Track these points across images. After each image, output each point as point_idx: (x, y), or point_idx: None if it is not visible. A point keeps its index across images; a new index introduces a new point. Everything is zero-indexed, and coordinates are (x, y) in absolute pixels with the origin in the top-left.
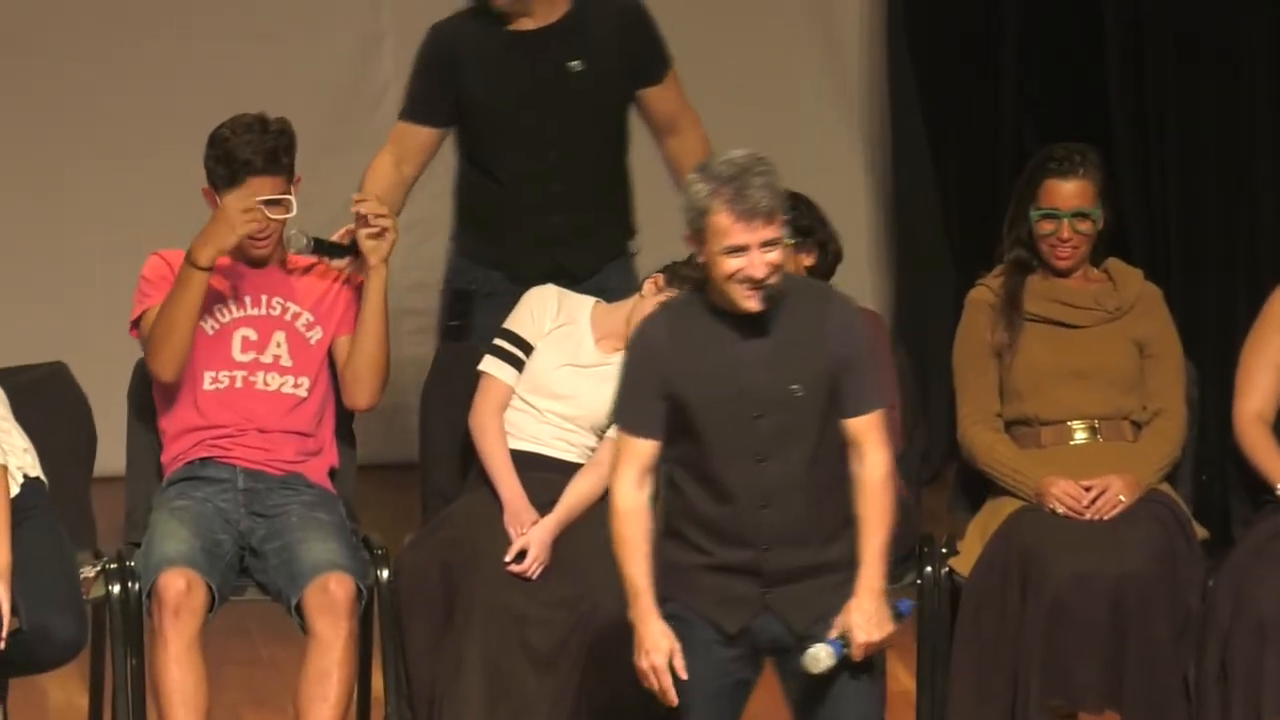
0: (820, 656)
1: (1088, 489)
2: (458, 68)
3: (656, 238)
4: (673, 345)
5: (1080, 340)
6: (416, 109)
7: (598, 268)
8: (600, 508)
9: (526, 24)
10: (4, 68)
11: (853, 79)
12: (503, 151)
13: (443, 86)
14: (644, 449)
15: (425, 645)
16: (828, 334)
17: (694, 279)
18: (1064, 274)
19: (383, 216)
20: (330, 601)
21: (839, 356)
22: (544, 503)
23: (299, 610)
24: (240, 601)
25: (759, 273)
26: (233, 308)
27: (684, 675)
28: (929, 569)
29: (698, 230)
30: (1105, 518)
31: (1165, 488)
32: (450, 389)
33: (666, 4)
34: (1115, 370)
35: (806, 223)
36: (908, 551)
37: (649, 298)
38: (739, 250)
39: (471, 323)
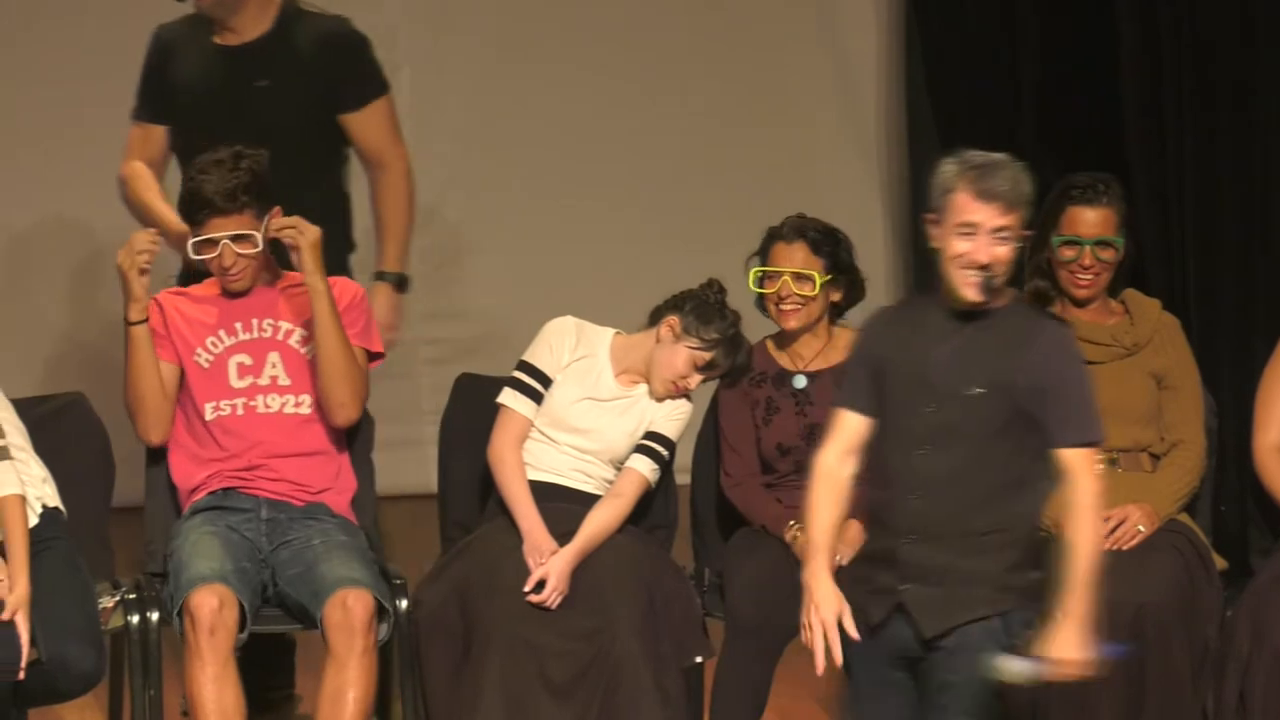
0: (1012, 666)
1: (1106, 519)
2: (169, 71)
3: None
4: (887, 330)
5: (1098, 377)
6: (145, 109)
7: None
8: (618, 540)
9: (230, 38)
10: (28, 89)
11: (869, 112)
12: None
13: (159, 85)
14: (851, 424)
15: (444, 675)
16: (1032, 352)
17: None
18: (1083, 303)
19: (289, 227)
20: (348, 618)
21: (1042, 380)
22: (563, 533)
23: (324, 628)
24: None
25: (983, 257)
26: (224, 337)
27: (855, 635)
28: None
29: (938, 210)
30: (1124, 548)
31: (1184, 518)
32: (469, 420)
33: (685, 31)
34: (1133, 406)
35: (845, 258)
36: None
37: (666, 344)
38: (969, 230)
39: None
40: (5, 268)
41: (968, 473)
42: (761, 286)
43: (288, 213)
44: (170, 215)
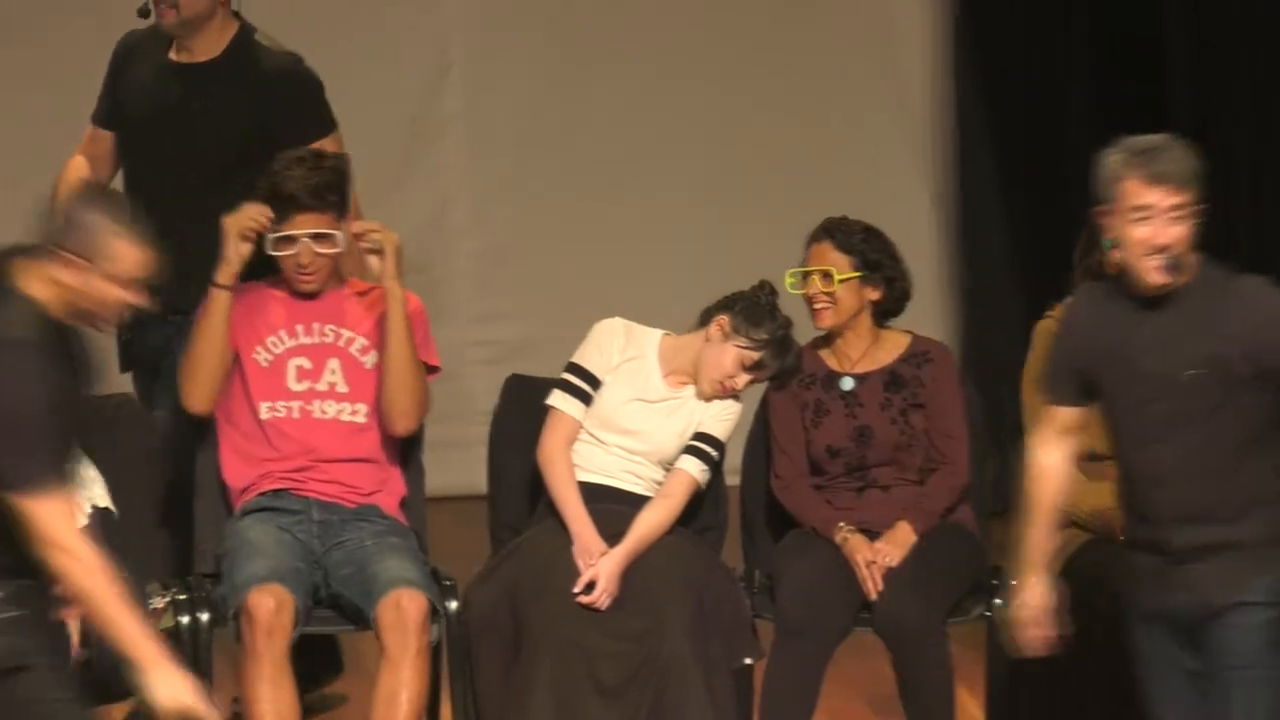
0: None
1: None
2: (120, 80)
3: None
4: (1087, 323)
5: None
6: (99, 112)
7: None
8: (668, 541)
9: (184, 56)
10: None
11: (920, 111)
12: (138, 174)
13: (110, 93)
14: (1058, 414)
15: (494, 677)
16: (1234, 319)
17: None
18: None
19: (374, 231)
20: (401, 618)
21: (1254, 344)
22: (612, 534)
23: (377, 628)
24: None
25: (1164, 238)
26: (285, 338)
27: (1064, 630)
28: (998, 601)
29: (1109, 201)
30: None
31: None
32: (519, 421)
33: (734, 33)
34: None
35: (875, 256)
36: (976, 584)
37: (715, 343)
38: (1144, 214)
39: (145, 343)
40: None
41: (1207, 452)
42: (798, 289)
43: (208, 238)
44: None
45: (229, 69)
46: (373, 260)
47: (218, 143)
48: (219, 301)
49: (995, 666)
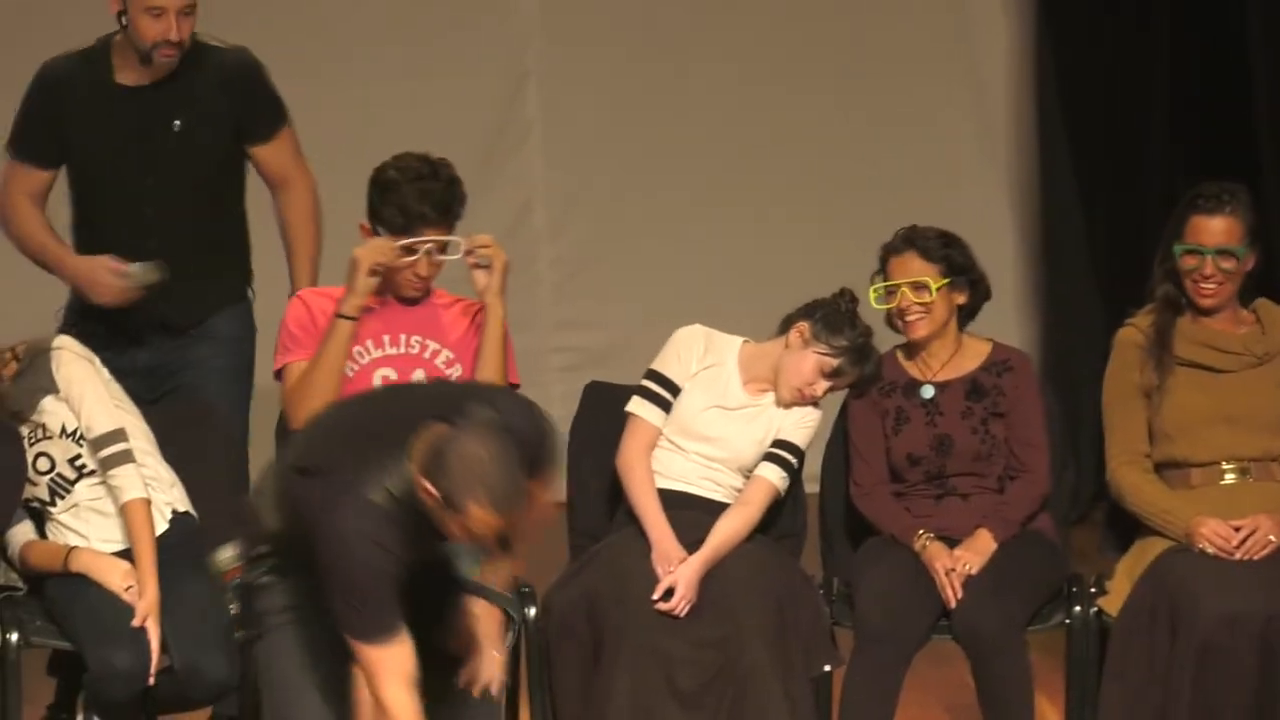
0: None
1: (1237, 529)
2: (64, 115)
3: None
4: None
5: (1229, 385)
6: (26, 149)
7: (204, 318)
8: (747, 548)
9: (132, 78)
10: None
11: (999, 116)
12: (102, 203)
13: (48, 130)
14: None
15: (573, 684)
16: None
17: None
18: (1208, 312)
19: (486, 247)
20: (479, 628)
21: None
22: (691, 541)
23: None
24: None
25: None
26: (371, 348)
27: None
28: (1078, 609)
29: None
30: (1255, 558)
31: None
32: (598, 428)
33: (814, 39)
34: (1266, 415)
35: (960, 259)
36: (1056, 592)
37: (795, 349)
38: None
39: (136, 359)
40: None
41: None
42: (886, 303)
43: (194, 248)
44: (68, 255)
45: (191, 80)
46: (478, 275)
47: (197, 157)
48: (344, 331)
49: (1075, 675)
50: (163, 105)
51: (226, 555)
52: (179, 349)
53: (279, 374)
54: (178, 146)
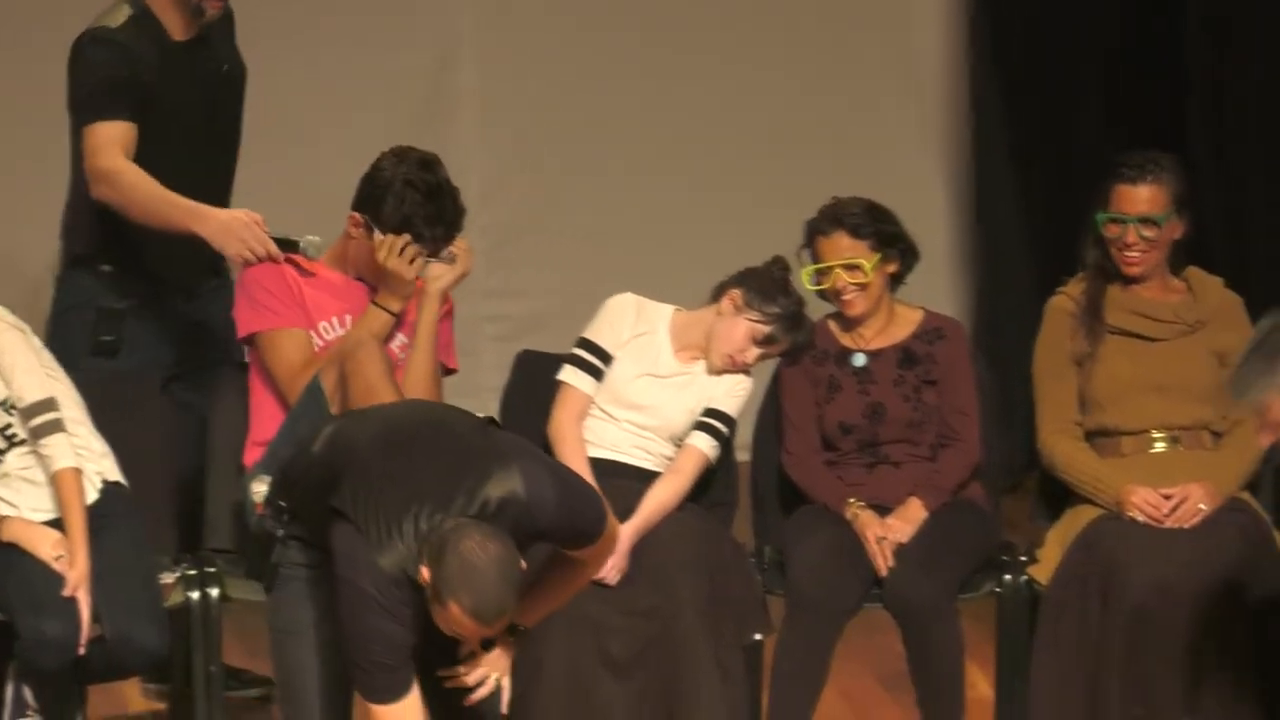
0: None
1: (1168, 497)
2: (140, 71)
3: None
4: None
5: (1160, 353)
6: (115, 106)
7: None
8: (679, 516)
9: (181, 33)
10: None
11: (933, 87)
12: (168, 153)
13: (130, 85)
14: None
15: None
16: None
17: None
18: (1135, 281)
19: (460, 249)
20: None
21: None
22: (622, 510)
23: None
24: None
25: None
26: (336, 325)
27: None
28: (1008, 577)
29: None
30: (1185, 526)
31: (1245, 496)
32: (530, 397)
33: (747, 11)
34: (1195, 383)
35: (887, 230)
36: (987, 560)
37: (727, 317)
38: None
39: (123, 337)
40: None
41: None
42: (819, 284)
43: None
44: (203, 207)
45: (211, 28)
46: (436, 266)
47: (240, 99)
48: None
49: (1006, 643)
50: (211, 53)
51: (259, 490)
52: (207, 301)
53: (249, 338)
54: (228, 91)
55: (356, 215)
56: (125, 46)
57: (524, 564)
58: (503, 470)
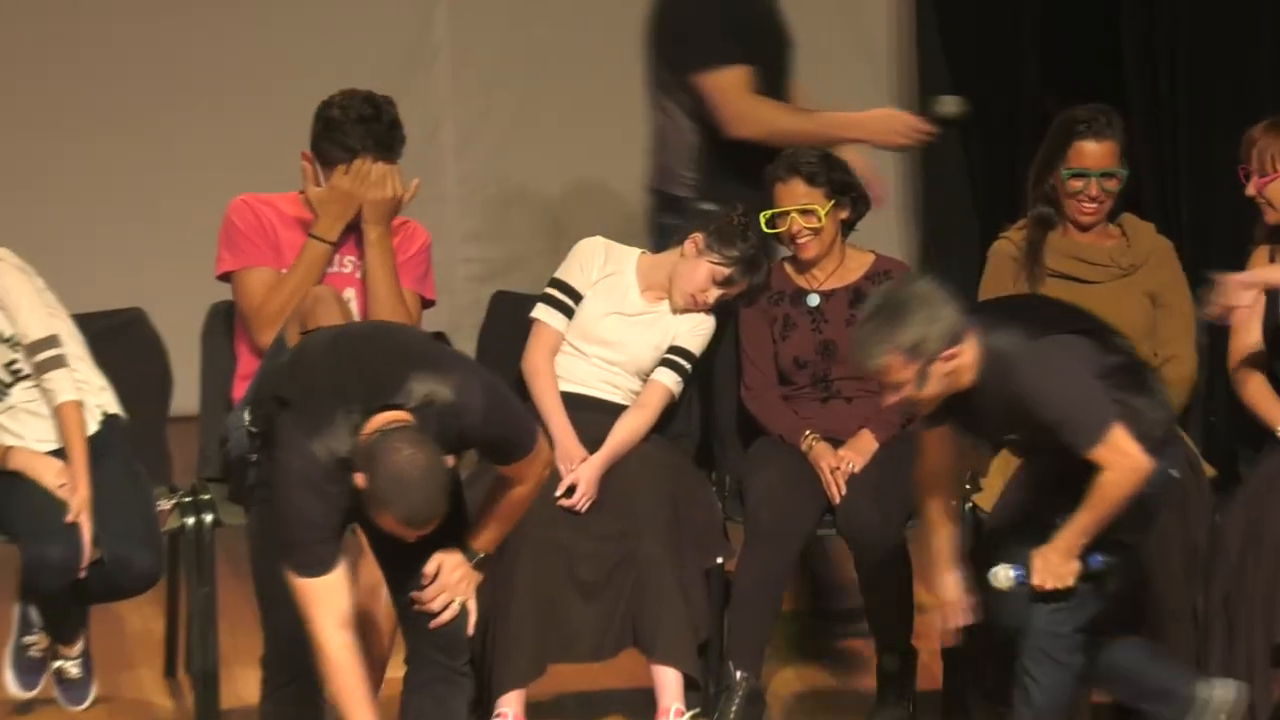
0: (999, 575)
1: None
2: (734, 12)
3: None
4: None
5: (1096, 295)
6: (736, 51)
7: None
8: (644, 448)
9: None
10: (86, 21)
11: (879, 34)
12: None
13: (738, 29)
14: None
15: None
16: None
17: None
18: (1086, 229)
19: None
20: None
21: None
22: (592, 441)
23: None
24: None
25: None
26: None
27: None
28: (953, 503)
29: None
30: None
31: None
32: (505, 335)
33: None
34: (1130, 323)
35: (840, 178)
36: None
37: (689, 258)
38: None
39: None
40: (91, 190)
41: None
42: (773, 226)
43: None
44: (852, 114)
45: None
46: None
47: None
48: (322, 254)
49: None
50: None
51: (248, 418)
52: None
53: (225, 275)
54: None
55: (306, 153)
56: None
57: (450, 460)
58: (435, 373)
